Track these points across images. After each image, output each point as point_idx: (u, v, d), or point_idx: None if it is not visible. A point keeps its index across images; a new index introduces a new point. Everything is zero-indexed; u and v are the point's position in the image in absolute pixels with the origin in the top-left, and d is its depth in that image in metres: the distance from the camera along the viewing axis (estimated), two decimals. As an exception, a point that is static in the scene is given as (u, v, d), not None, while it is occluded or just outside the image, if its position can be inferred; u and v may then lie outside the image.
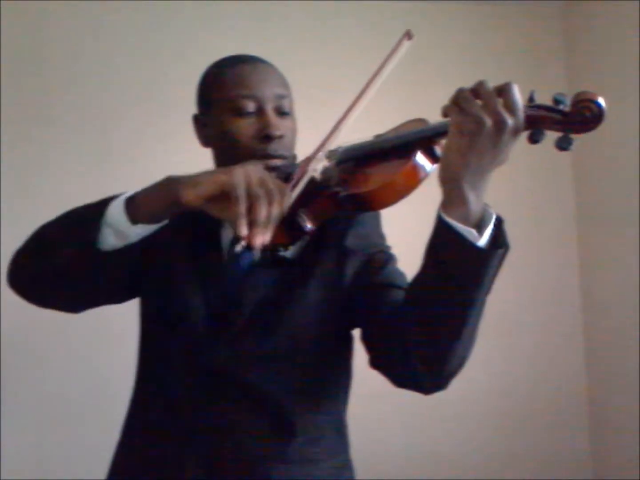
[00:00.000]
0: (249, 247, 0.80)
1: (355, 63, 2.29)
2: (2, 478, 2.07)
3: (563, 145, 0.80)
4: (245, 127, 1.00)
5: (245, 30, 2.44)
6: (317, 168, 0.96)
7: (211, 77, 1.07)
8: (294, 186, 0.90)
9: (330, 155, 0.99)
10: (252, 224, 0.79)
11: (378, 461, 2.28)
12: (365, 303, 0.99)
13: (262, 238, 0.80)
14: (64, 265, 0.90)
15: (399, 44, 0.99)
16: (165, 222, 0.91)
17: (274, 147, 1.00)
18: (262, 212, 0.79)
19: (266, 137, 0.99)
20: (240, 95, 1.00)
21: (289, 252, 1.00)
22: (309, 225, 0.96)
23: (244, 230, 0.79)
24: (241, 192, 0.79)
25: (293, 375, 1.01)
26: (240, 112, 1.00)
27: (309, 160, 0.97)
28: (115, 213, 0.87)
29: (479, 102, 0.78)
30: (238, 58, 1.06)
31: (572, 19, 2.70)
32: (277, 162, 1.00)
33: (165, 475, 1.01)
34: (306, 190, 0.92)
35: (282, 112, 1.02)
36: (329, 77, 2.43)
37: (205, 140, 1.08)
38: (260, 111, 1.00)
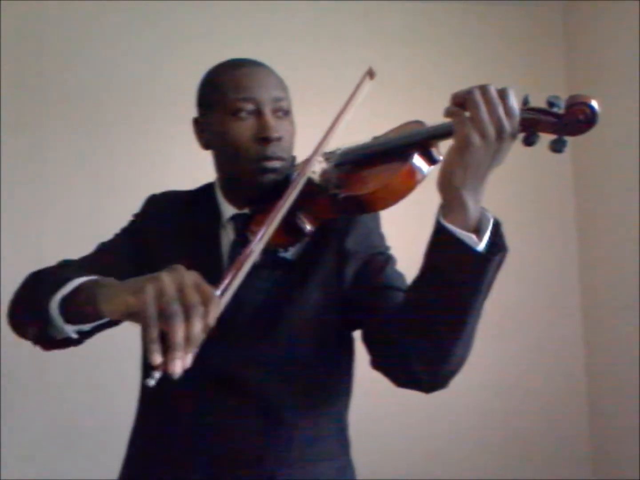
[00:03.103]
0: (165, 375, 0.69)
1: (355, 63, 2.29)
2: (2, 478, 2.07)
3: (557, 147, 0.80)
4: (244, 130, 1.00)
5: (245, 32, 2.44)
6: (315, 170, 0.96)
7: (210, 80, 1.07)
8: (229, 285, 0.80)
9: (328, 156, 1.00)
10: (167, 348, 0.68)
11: (378, 461, 2.28)
12: (364, 304, 1.00)
13: (182, 363, 0.69)
14: (38, 341, 0.92)
15: (361, 82, 1.00)
16: (104, 321, 0.87)
17: (272, 149, 1.00)
18: (177, 334, 0.68)
19: (264, 139, 0.99)
20: (239, 98, 1.00)
21: (289, 254, 1.01)
22: (308, 227, 0.96)
23: (156, 359, 0.68)
24: (151, 314, 0.69)
25: (293, 376, 1.02)
26: (239, 115, 1.00)
27: (307, 162, 0.97)
28: (53, 311, 0.86)
29: (484, 108, 0.78)
30: (236, 61, 1.06)
31: (572, 19, 2.70)
32: (275, 164, 1.00)
33: (171, 477, 1.01)
34: (305, 192, 0.93)
35: (280, 114, 1.03)
36: (329, 77, 2.43)
37: (205, 143, 1.08)
38: (258, 114, 1.01)
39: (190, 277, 0.72)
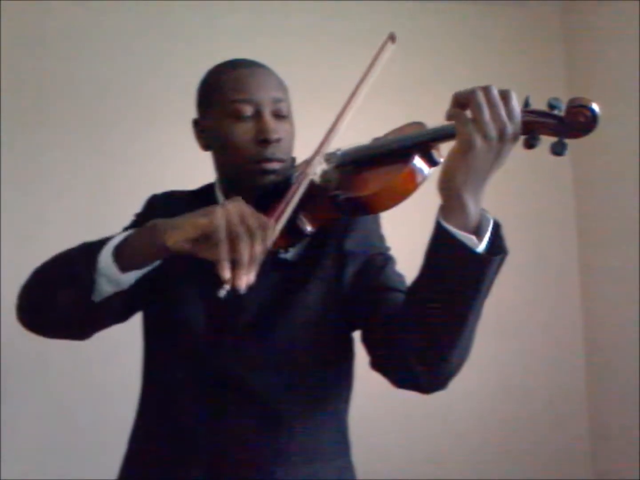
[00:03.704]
0: (233, 290, 0.78)
1: (355, 63, 2.29)
2: (2, 478, 2.07)
3: (557, 150, 0.80)
4: (243, 132, 1.00)
5: (245, 32, 2.44)
6: (316, 171, 0.96)
7: (209, 81, 1.07)
8: (279, 216, 0.88)
9: (329, 158, 1.00)
10: (235, 265, 0.78)
11: (378, 461, 2.28)
12: (364, 305, 1.00)
13: (247, 278, 0.78)
14: (65, 314, 0.92)
15: (382, 47, 1.00)
16: (157, 263, 0.91)
17: (271, 151, 1.00)
18: (244, 253, 0.77)
19: (264, 141, 0.99)
20: (238, 99, 1.00)
21: (290, 254, 1.01)
22: (308, 228, 0.96)
23: (227, 274, 0.77)
24: (222, 234, 0.78)
25: (293, 376, 1.02)
26: (238, 117, 1.00)
27: (307, 163, 0.97)
28: (106, 263, 0.87)
29: (487, 110, 0.78)
30: (235, 62, 1.06)
31: (572, 19, 2.70)
32: (275, 165, 1.00)
33: (171, 477, 1.01)
34: (306, 193, 0.93)
35: (279, 116, 1.03)
36: (329, 77, 2.43)
37: (205, 144, 1.08)
38: (257, 115, 1.01)
39: (249, 208, 0.82)
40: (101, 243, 0.90)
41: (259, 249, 0.78)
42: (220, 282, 0.77)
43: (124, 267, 0.87)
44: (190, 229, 0.81)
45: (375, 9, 2.57)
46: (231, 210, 0.80)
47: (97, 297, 0.89)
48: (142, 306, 1.08)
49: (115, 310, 0.95)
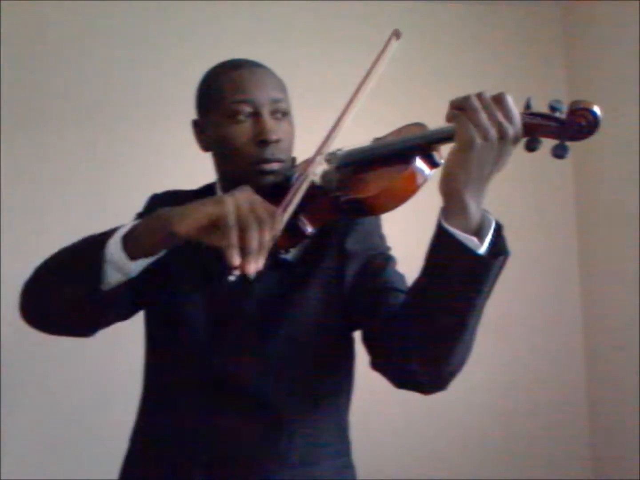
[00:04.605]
0: (242, 276, 0.80)
1: (355, 63, 2.29)
2: (2, 478, 2.07)
3: (559, 153, 0.80)
4: (242, 132, 1.00)
5: (245, 32, 2.44)
6: (316, 172, 0.96)
7: (208, 82, 1.07)
8: (286, 207, 0.89)
9: (330, 158, 1.00)
10: (244, 252, 0.79)
11: (378, 461, 2.28)
12: (365, 305, 1.00)
13: (255, 265, 0.79)
14: (71, 306, 0.91)
15: (387, 43, 0.99)
16: (164, 252, 0.91)
17: (270, 152, 1.00)
18: (253, 240, 0.79)
19: (263, 141, 0.99)
20: (237, 100, 1.00)
21: (290, 255, 1.01)
22: (309, 229, 0.96)
23: (236, 260, 0.78)
24: (231, 221, 0.79)
25: (293, 377, 1.02)
26: (237, 117, 1.00)
27: (307, 163, 0.97)
28: (114, 251, 0.87)
29: (483, 112, 0.79)
30: (234, 63, 1.06)
31: (572, 19, 2.70)
32: (274, 166, 1.00)
33: (172, 477, 1.01)
34: (306, 194, 0.92)
35: (278, 116, 1.02)
36: (329, 77, 2.43)
37: (205, 145, 1.08)
38: (256, 116, 1.00)
39: (257, 196, 0.83)
40: (106, 234, 0.90)
41: (268, 237, 0.80)
42: (229, 270, 0.79)
43: (133, 254, 0.87)
44: (200, 216, 0.82)
45: (376, 9, 2.56)
46: (240, 198, 0.81)
47: (105, 287, 0.88)
48: (144, 304, 1.08)
49: (120, 303, 0.94)
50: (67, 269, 0.92)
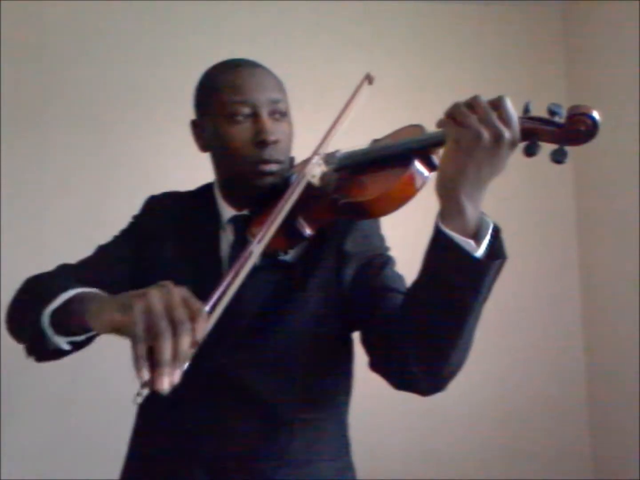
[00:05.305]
0: (153, 393, 0.69)
1: (355, 64, 2.29)
2: (2, 478, 2.07)
3: (558, 157, 0.79)
4: (241, 133, 1.00)
5: (245, 32, 2.44)
6: (315, 173, 0.96)
7: (207, 82, 1.07)
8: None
9: (328, 159, 0.99)
10: (154, 365, 0.68)
11: (378, 461, 2.28)
12: (363, 306, 1.00)
13: (170, 379, 0.69)
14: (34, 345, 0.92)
15: (359, 87, 1.00)
16: (95, 333, 0.85)
17: (269, 152, 0.99)
18: (165, 350, 0.67)
19: (261, 142, 0.99)
20: (235, 100, 1.00)
21: (288, 256, 1.01)
22: (307, 231, 0.96)
23: (144, 375, 0.68)
24: (138, 332, 0.68)
25: (292, 377, 1.02)
26: (235, 118, 1.00)
27: (305, 164, 0.97)
28: (46, 322, 0.86)
29: (474, 115, 0.78)
30: (232, 63, 1.06)
31: (572, 19, 2.70)
32: (272, 167, 1.00)
33: (171, 478, 1.01)
34: (305, 195, 0.92)
35: (277, 116, 1.02)
36: (329, 77, 2.42)
37: (203, 146, 1.08)
38: (255, 116, 1.00)
39: (179, 293, 0.71)
40: (55, 291, 0.87)
41: (185, 345, 0.68)
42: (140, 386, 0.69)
43: (60, 332, 0.86)
44: (106, 322, 0.74)
45: (376, 9, 2.56)
46: (153, 300, 0.70)
47: (50, 347, 0.88)
48: None
49: (83, 344, 0.93)
50: (20, 318, 0.94)
